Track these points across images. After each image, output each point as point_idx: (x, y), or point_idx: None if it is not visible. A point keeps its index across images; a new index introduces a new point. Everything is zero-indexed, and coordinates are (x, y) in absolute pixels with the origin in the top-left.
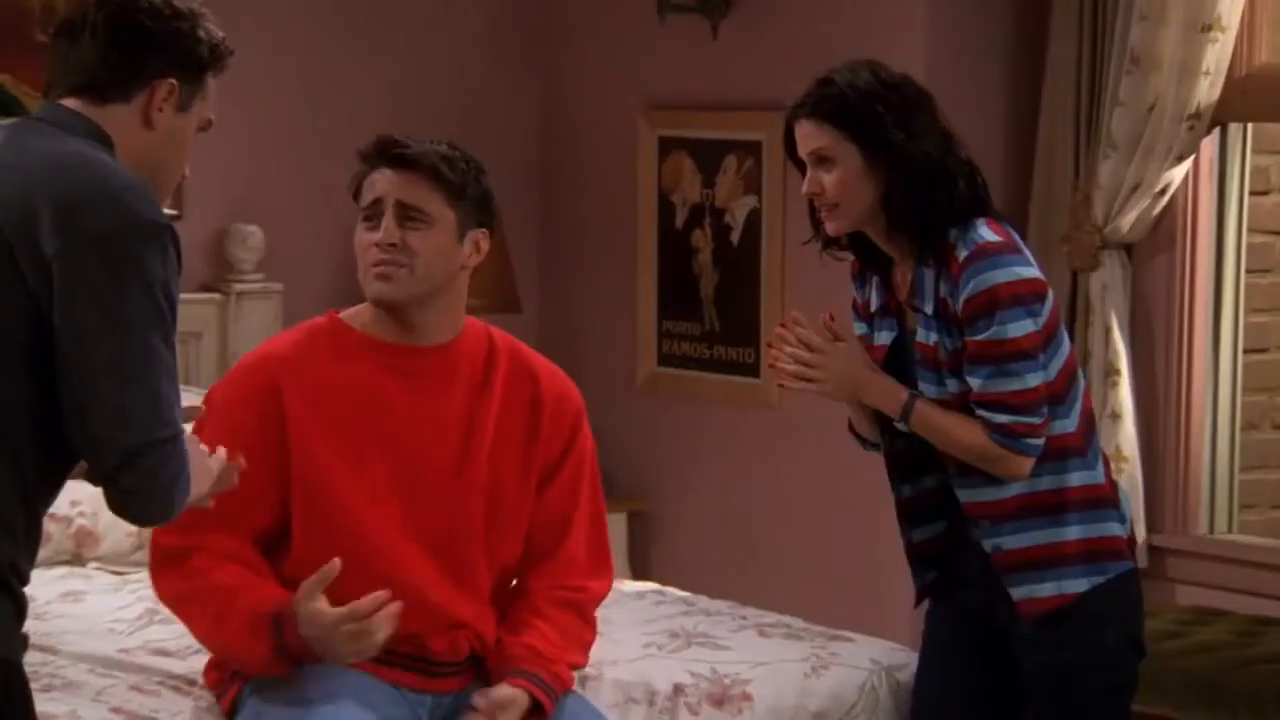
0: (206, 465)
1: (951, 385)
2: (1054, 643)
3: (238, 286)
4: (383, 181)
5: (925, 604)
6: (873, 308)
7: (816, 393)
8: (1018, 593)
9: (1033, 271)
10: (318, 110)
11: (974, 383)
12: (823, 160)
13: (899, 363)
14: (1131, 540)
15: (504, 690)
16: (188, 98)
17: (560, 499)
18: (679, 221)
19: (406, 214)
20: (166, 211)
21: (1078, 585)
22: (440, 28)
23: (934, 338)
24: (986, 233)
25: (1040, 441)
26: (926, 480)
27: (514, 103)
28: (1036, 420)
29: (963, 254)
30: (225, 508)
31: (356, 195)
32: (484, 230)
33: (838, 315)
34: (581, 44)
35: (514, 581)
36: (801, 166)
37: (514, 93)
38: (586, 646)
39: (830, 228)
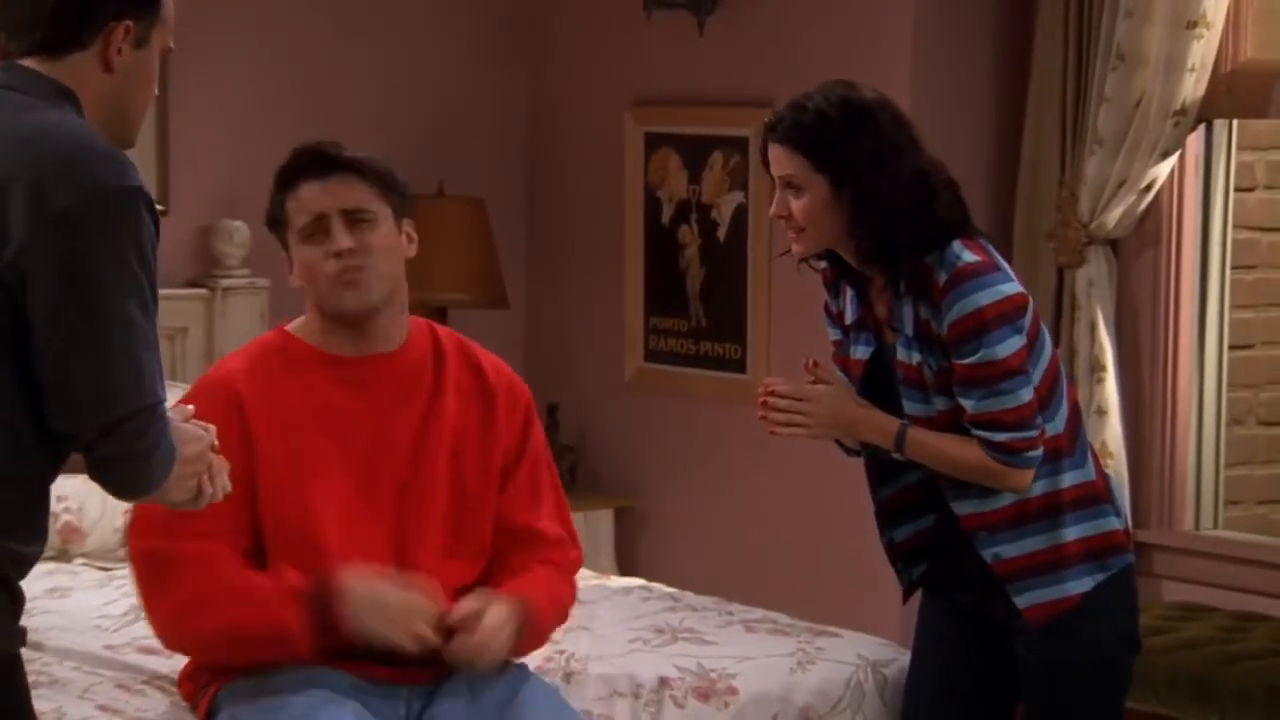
0: (194, 434)
1: (939, 403)
2: (1052, 640)
3: (224, 282)
4: (316, 196)
5: (915, 599)
6: (848, 320)
7: (808, 436)
8: (1021, 600)
9: (1014, 287)
10: (304, 106)
11: (967, 404)
12: (791, 186)
13: (880, 377)
14: (1128, 531)
15: (495, 613)
16: (144, 32)
17: (526, 490)
18: (665, 218)
19: (353, 218)
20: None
21: (1082, 585)
22: (427, 23)
23: (916, 358)
24: (964, 254)
25: (1039, 453)
26: (908, 477)
27: (501, 98)
28: (1034, 433)
29: (943, 277)
30: (205, 524)
31: (276, 224)
32: (409, 220)
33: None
34: (568, 40)
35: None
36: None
37: (501, 89)
38: (566, 610)
39: (796, 250)
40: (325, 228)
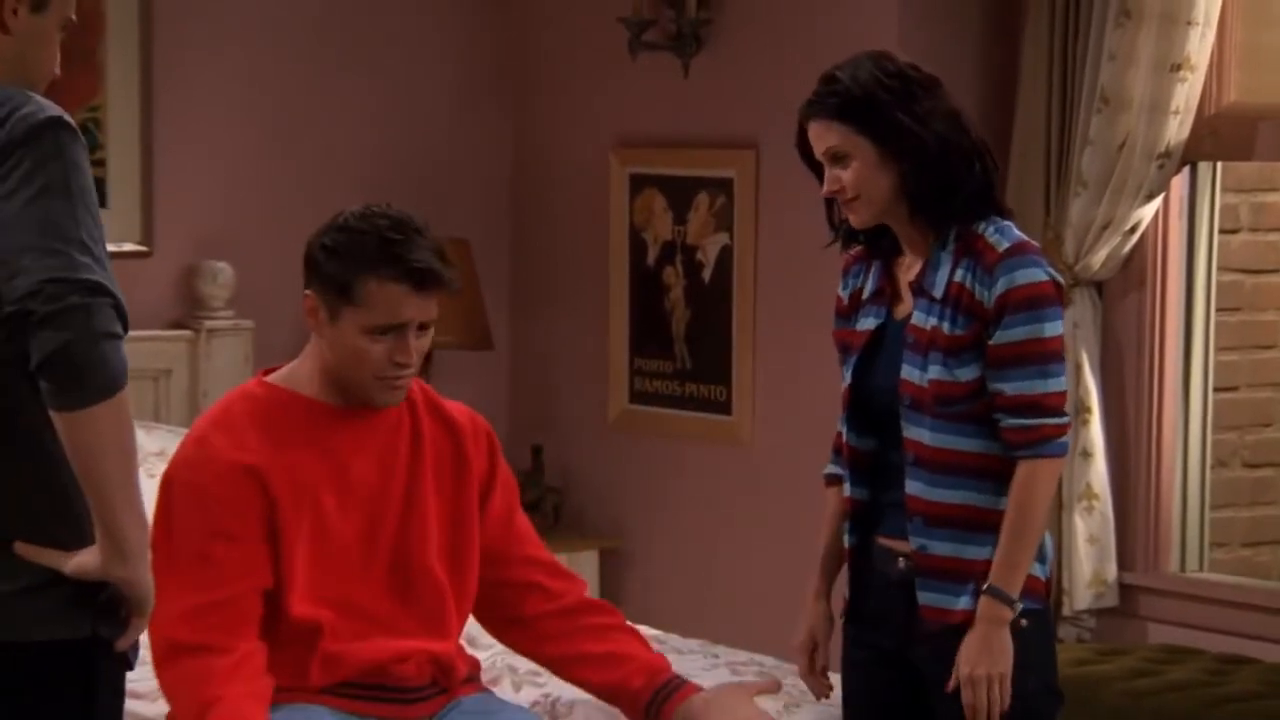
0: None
1: (933, 371)
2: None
3: (208, 324)
4: (410, 305)
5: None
6: (865, 294)
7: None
8: (925, 598)
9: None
10: (288, 147)
11: (1006, 388)
12: (837, 158)
13: (879, 349)
14: (1049, 584)
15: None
16: None
17: (501, 516)
18: (650, 259)
19: (422, 326)
20: (137, 248)
21: (966, 604)
22: (413, 65)
23: (931, 322)
24: (1023, 235)
25: (1068, 441)
26: (858, 490)
27: (486, 139)
28: (1067, 420)
29: (1004, 245)
30: (236, 602)
31: (348, 292)
32: None
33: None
34: (553, 81)
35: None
36: (816, 170)
37: (486, 130)
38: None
39: (855, 220)
40: (400, 333)
